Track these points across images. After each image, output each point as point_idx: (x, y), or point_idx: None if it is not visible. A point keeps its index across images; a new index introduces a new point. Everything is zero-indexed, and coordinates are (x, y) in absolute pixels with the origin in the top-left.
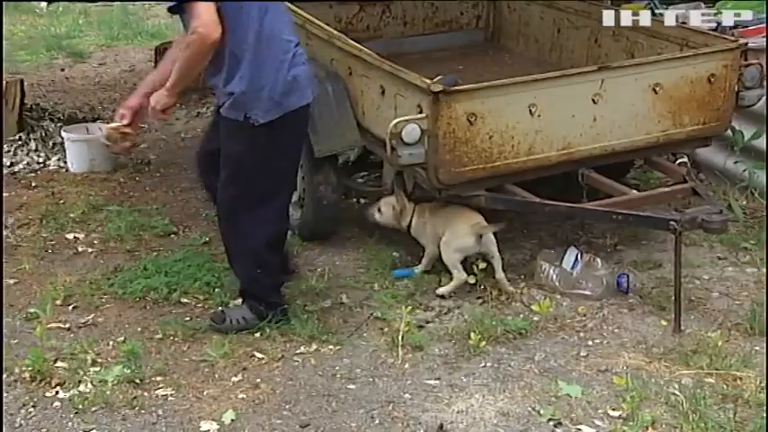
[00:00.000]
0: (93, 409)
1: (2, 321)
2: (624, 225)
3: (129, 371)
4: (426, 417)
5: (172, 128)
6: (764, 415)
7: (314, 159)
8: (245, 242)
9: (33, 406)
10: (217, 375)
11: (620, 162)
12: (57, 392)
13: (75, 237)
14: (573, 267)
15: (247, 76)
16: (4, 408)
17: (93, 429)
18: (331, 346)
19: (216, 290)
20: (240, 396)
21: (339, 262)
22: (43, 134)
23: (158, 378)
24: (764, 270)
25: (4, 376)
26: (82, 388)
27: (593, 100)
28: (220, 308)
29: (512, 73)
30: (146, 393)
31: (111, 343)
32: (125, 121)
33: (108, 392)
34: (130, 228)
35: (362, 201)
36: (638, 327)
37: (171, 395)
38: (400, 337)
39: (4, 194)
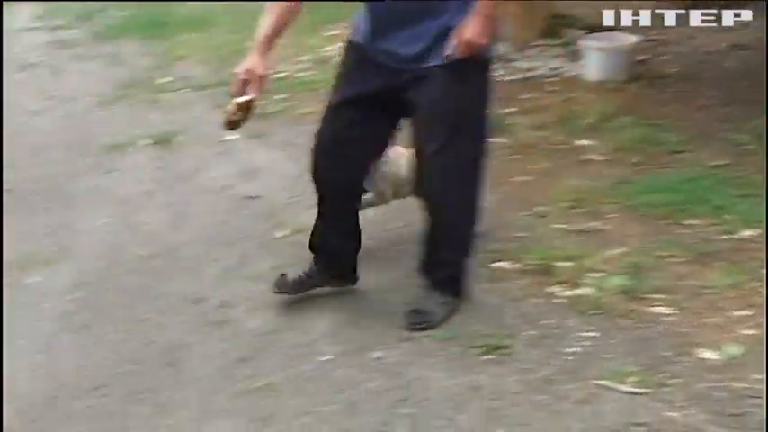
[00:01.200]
0: (591, 312)
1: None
2: None
3: (629, 283)
4: None
5: (692, 42)
6: None
7: None
8: (473, 207)
9: (536, 297)
10: (719, 305)
11: None
12: (557, 290)
13: (584, 143)
14: None
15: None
16: (511, 294)
17: (591, 331)
18: None
19: (726, 216)
20: (744, 332)
21: None
22: (567, 41)
23: (656, 296)
24: None
25: (516, 265)
26: (581, 291)
27: None
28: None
29: None
30: (643, 308)
31: (609, 252)
32: (253, 95)
33: (605, 300)
34: (640, 140)
35: None
36: None
37: (669, 315)
38: None
39: (523, 96)
